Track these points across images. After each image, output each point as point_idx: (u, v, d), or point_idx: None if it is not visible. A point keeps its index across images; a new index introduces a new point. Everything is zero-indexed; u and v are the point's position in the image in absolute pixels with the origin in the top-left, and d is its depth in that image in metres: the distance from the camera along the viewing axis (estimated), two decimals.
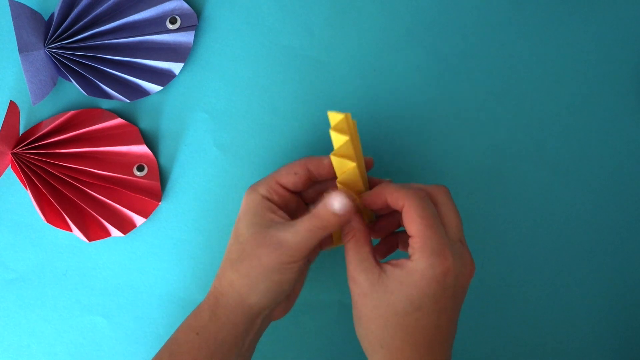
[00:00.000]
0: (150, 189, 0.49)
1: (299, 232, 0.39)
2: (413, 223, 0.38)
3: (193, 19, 0.51)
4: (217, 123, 0.51)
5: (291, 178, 0.42)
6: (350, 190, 0.41)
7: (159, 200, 0.50)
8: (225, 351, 0.41)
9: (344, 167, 0.40)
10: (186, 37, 0.50)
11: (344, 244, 0.40)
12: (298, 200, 0.44)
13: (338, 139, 0.39)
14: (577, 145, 0.50)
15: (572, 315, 0.49)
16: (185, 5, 0.51)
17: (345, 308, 0.49)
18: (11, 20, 0.49)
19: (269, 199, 0.42)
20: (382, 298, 0.38)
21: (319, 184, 0.44)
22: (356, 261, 0.39)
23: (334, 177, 0.41)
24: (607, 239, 0.49)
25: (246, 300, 0.40)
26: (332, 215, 0.39)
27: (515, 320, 0.49)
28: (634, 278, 0.49)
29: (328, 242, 0.45)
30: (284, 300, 0.43)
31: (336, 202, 0.38)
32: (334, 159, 0.40)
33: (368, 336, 0.39)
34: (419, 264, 0.37)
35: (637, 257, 0.49)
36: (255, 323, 0.41)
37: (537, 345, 0.48)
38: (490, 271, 0.49)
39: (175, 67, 0.50)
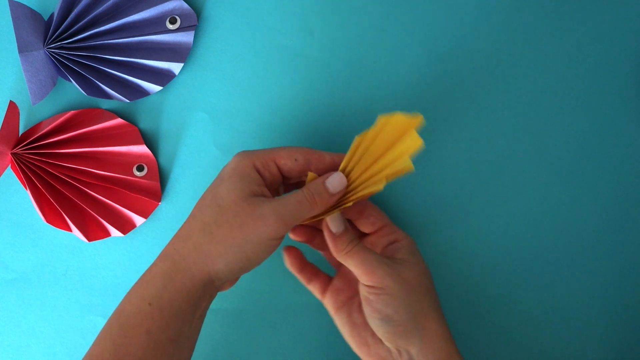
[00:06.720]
0: (150, 189, 0.49)
1: (287, 204, 0.39)
2: (378, 216, 0.45)
3: (193, 19, 0.51)
4: (217, 123, 0.51)
5: (290, 163, 0.41)
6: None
7: (159, 200, 0.50)
8: (180, 320, 0.38)
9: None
10: (186, 37, 0.50)
11: (345, 253, 0.41)
12: (281, 186, 0.43)
13: (412, 143, 0.40)
14: (577, 145, 0.50)
15: (572, 315, 0.49)
16: (185, 5, 0.51)
17: None
18: (11, 20, 0.49)
19: (259, 172, 0.41)
20: (414, 269, 0.41)
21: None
22: (370, 260, 0.40)
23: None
24: (607, 239, 0.49)
25: (211, 267, 0.38)
26: (325, 192, 0.40)
27: (515, 321, 0.49)
28: (634, 278, 0.49)
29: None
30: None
31: (335, 179, 0.41)
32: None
33: (419, 309, 0.40)
34: (406, 240, 0.44)
35: (637, 257, 0.49)
36: (208, 292, 0.40)
37: (536, 345, 0.48)
38: (490, 271, 0.49)
39: (175, 67, 0.50)
